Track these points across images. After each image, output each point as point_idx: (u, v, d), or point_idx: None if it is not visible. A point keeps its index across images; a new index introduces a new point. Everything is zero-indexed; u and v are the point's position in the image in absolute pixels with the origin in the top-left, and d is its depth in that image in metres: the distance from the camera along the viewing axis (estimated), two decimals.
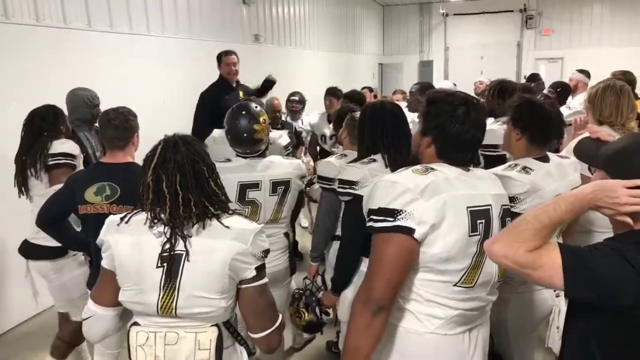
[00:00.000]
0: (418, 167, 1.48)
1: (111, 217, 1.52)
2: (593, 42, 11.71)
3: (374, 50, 13.20)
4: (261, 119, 2.39)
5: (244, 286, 1.46)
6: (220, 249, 1.41)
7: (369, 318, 1.37)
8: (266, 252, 1.49)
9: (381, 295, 1.37)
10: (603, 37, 11.67)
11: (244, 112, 2.38)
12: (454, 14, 13.20)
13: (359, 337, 1.39)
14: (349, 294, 2.15)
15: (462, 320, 1.49)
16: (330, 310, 2.45)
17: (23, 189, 2.70)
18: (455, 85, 5.55)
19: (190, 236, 1.41)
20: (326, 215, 2.38)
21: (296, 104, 5.33)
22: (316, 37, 9.38)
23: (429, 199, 1.37)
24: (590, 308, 1.16)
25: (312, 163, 4.42)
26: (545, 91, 5.41)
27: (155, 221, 1.43)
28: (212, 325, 1.45)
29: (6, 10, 3.65)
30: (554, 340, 2.03)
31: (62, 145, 2.67)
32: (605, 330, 1.17)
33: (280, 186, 2.39)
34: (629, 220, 1.16)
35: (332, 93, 4.86)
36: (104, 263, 1.49)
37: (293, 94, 5.40)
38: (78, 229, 2.41)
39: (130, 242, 1.44)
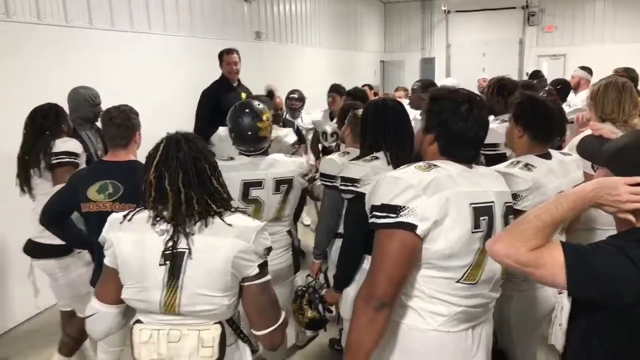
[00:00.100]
0: (421, 163, 1.48)
1: (114, 215, 1.52)
2: (595, 39, 11.68)
3: (375, 48, 13.18)
4: (264, 117, 2.39)
5: (246, 284, 1.46)
6: (223, 246, 1.41)
7: (371, 314, 1.37)
8: (268, 249, 1.49)
9: (383, 291, 1.37)
10: (606, 34, 11.64)
11: (247, 110, 2.38)
12: (456, 11, 13.17)
13: (361, 333, 1.40)
14: (351, 291, 2.15)
15: (465, 317, 1.49)
16: (333, 308, 2.45)
17: (25, 188, 2.70)
18: (458, 83, 5.54)
19: (193, 234, 1.42)
20: (328, 213, 2.38)
21: (295, 101, 5.32)
22: (318, 35, 9.37)
23: (432, 196, 1.37)
24: (592, 306, 1.16)
25: (313, 161, 4.42)
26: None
27: (158, 219, 1.43)
28: (215, 323, 1.45)
29: (7, 9, 3.65)
30: (557, 337, 2.02)
31: (65, 144, 2.67)
32: (607, 328, 1.16)
33: (283, 184, 2.39)
34: (631, 217, 1.16)
35: (335, 90, 4.86)
36: (107, 261, 1.49)
37: (292, 91, 5.40)
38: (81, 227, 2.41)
39: (133, 240, 1.44)
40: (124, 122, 2.26)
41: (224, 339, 1.45)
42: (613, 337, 1.16)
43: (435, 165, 1.46)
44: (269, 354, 2.66)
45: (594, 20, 11.81)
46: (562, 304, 2.00)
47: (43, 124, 2.69)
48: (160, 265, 1.41)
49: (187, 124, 4.23)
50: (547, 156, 2.05)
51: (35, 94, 2.93)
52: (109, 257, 1.49)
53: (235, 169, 2.30)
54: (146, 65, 5.04)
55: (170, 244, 1.41)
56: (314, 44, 9.23)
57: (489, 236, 1.46)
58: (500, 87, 3.07)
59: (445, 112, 1.49)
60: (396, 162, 2.05)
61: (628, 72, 4.37)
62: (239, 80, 4.68)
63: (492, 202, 1.50)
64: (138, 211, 1.48)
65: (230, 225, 1.43)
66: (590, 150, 1.52)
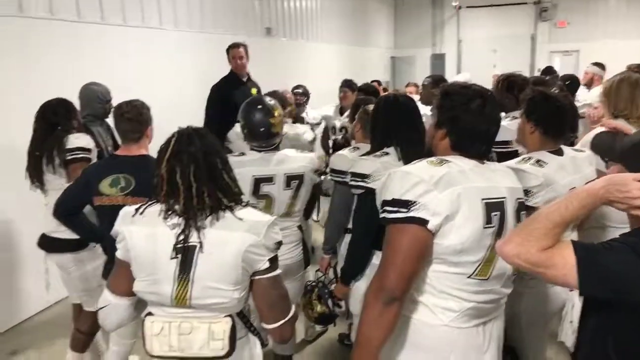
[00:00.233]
0: (433, 159, 1.48)
1: (126, 209, 1.53)
2: (609, 35, 11.50)
3: (385, 44, 13.13)
4: (276, 113, 2.40)
5: (257, 277, 1.47)
6: (234, 240, 1.42)
7: (381, 309, 1.38)
8: (279, 243, 1.49)
9: (394, 286, 1.36)
10: (619, 30, 11.46)
11: (259, 107, 2.39)
12: (467, 7, 13.05)
13: (371, 327, 1.40)
14: (361, 286, 2.15)
15: (476, 313, 1.49)
16: (342, 303, 2.46)
17: (37, 184, 2.70)
18: (470, 78, 5.50)
19: (204, 228, 1.42)
20: (339, 208, 2.39)
21: (300, 96, 5.31)
22: (328, 31, 9.35)
23: (444, 191, 1.37)
24: (604, 305, 1.15)
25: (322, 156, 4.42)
26: None
27: (170, 213, 1.44)
28: (225, 316, 1.46)
29: (21, 4, 3.69)
30: (567, 334, 2.02)
31: (79, 140, 2.68)
32: (619, 326, 1.16)
33: (294, 180, 2.40)
34: None
35: (347, 85, 4.85)
36: (119, 254, 1.51)
37: (297, 86, 5.38)
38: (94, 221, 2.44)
39: (145, 233, 1.45)
40: (135, 117, 2.28)
41: (234, 332, 1.46)
42: (625, 335, 1.16)
43: (447, 161, 1.46)
44: (278, 347, 2.67)
45: (607, 16, 11.65)
46: (573, 302, 2.00)
47: (53, 119, 2.69)
48: (171, 258, 1.42)
49: (197, 119, 4.26)
50: (559, 152, 2.04)
51: (47, 89, 2.94)
52: (121, 250, 1.50)
53: (246, 164, 2.30)
54: (157, 61, 5.06)
55: (181, 237, 1.42)
56: (324, 40, 9.21)
57: (501, 232, 1.46)
58: (510, 84, 3.04)
59: (457, 107, 1.48)
60: (407, 157, 2.04)
61: None
62: (248, 76, 4.68)
63: (504, 197, 1.49)
64: (150, 205, 1.50)
65: (241, 219, 1.44)
66: (605, 146, 1.51)
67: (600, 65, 5.65)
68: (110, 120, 3.20)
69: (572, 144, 2.46)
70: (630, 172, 1.18)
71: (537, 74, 8.51)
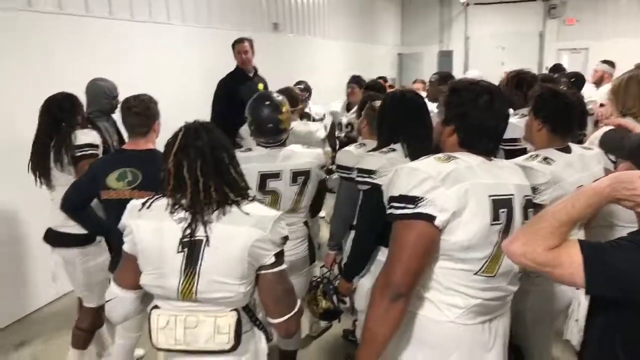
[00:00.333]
0: (440, 155, 1.48)
1: (133, 202, 1.53)
2: (619, 33, 11.39)
3: (393, 41, 13.08)
4: (284, 109, 2.39)
5: (263, 272, 1.47)
6: (240, 235, 1.42)
7: (387, 305, 1.37)
8: (285, 238, 1.49)
9: (400, 282, 1.36)
10: (629, 28, 11.34)
11: (267, 103, 2.38)
12: (475, 4, 12.98)
13: (377, 323, 1.40)
14: (366, 283, 2.16)
15: (482, 310, 1.48)
16: (347, 299, 2.46)
17: (42, 179, 2.67)
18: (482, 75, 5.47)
19: (211, 222, 1.43)
20: (344, 204, 2.39)
21: (302, 92, 5.31)
22: (335, 27, 9.33)
23: (451, 187, 1.37)
24: (612, 304, 1.15)
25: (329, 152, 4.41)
26: None
27: (176, 207, 1.45)
28: (231, 310, 1.46)
29: None
30: (573, 332, 2.02)
31: (87, 137, 2.67)
32: (627, 325, 1.15)
33: (300, 176, 2.40)
34: None
35: (355, 81, 4.85)
36: (126, 247, 1.52)
37: (299, 82, 5.38)
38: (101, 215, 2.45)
39: (152, 227, 1.46)
40: (143, 111, 2.29)
41: (239, 326, 1.47)
42: (632, 333, 1.15)
43: (454, 157, 1.45)
44: (283, 342, 2.68)
45: (617, 14, 11.53)
46: (579, 300, 1.99)
47: (58, 114, 2.65)
48: (178, 252, 1.43)
49: (204, 114, 4.26)
50: (567, 150, 2.03)
51: (54, 84, 2.95)
52: (128, 244, 1.51)
53: (252, 160, 2.30)
54: (164, 56, 5.08)
55: (188, 231, 1.42)
56: (331, 36, 9.19)
57: (508, 229, 1.45)
58: (520, 80, 3.02)
59: (466, 103, 1.48)
60: (414, 154, 2.04)
61: None
62: (255, 71, 4.68)
63: (512, 194, 1.48)
64: (157, 199, 1.50)
65: (247, 214, 1.44)
66: (613, 144, 1.50)
67: (610, 63, 5.61)
68: (116, 116, 3.22)
69: (580, 142, 2.44)
70: (638, 169, 1.17)
71: (544, 71, 8.45)
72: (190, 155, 1.44)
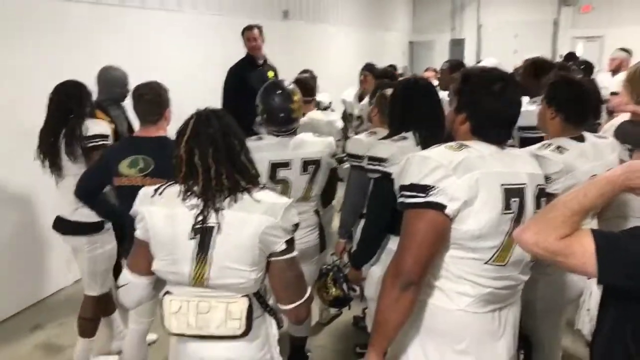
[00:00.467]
0: (452, 143, 1.47)
1: (145, 189, 1.55)
2: (635, 20, 11.17)
3: (404, 28, 12.95)
4: (295, 98, 2.39)
5: (273, 259, 1.48)
6: (251, 222, 1.43)
7: (398, 293, 1.38)
8: (296, 226, 1.50)
9: (410, 270, 1.36)
10: None
11: (279, 92, 2.37)
12: None
13: (387, 311, 1.40)
14: (377, 271, 2.16)
15: (492, 298, 1.48)
16: (357, 287, 2.47)
17: (54, 168, 2.66)
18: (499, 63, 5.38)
19: (222, 209, 1.44)
20: (354, 193, 2.39)
21: None
22: (346, 14, 9.25)
23: (462, 176, 1.36)
24: (624, 295, 1.14)
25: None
26: None
27: (188, 194, 1.46)
28: (242, 296, 1.48)
29: None
30: (584, 322, 2.01)
31: (97, 127, 2.67)
32: (638, 316, 1.14)
33: (311, 165, 2.40)
34: None
35: (368, 69, 4.81)
36: (138, 233, 1.53)
37: (304, 71, 5.35)
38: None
39: (164, 214, 1.47)
40: (154, 99, 2.29)
41: (251, 311, 1.48)
42: None
43: (466, 146, 1.44)
44: (293, 328, 2.71)
45: (633, 1, 11.29)
46: (591, 290, 1.98)
47: (67, 103, 2.63)
48: (190, 239, 1.44)
49: (215, 102, 4.26)
50: (581, 139, 2.00)
51: (65, 71, 2.96)
52: (140, 230, 1.52)
53: (263, 149, 2.29)
54: (176, 44, 5.08)
55: (200, 218, 1.43)
56: (342, 23, 9.12)
57: (520, 218, 1.44)
58: (537, 68, 2.98)
59: (478, 91, 1.46)
60: (425, 142, 2.03)
61: None
62: (265, 59, 4.66)
63: (524, 184, 1.47)
64: (168, 185, 1.51)
65: (258, 201, 1.45)
66: (629, 134, 1.48)
67: (627, 51, 5.51)
68: (126, 103, 3.23)
69: (594, 132, 2.41)
70: None
71: (558, 60, 8.34)
72: (202, 142, 1.44)
